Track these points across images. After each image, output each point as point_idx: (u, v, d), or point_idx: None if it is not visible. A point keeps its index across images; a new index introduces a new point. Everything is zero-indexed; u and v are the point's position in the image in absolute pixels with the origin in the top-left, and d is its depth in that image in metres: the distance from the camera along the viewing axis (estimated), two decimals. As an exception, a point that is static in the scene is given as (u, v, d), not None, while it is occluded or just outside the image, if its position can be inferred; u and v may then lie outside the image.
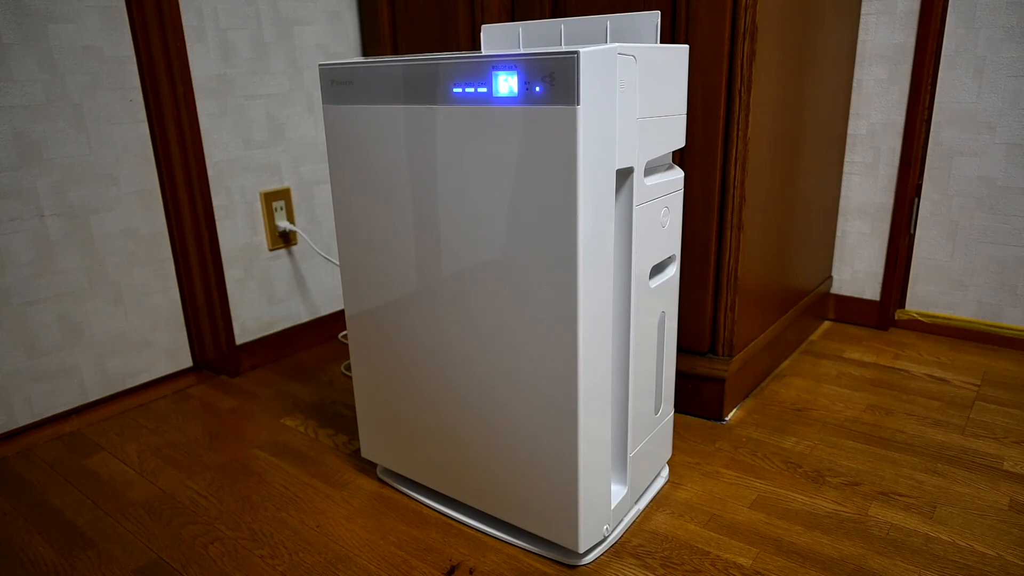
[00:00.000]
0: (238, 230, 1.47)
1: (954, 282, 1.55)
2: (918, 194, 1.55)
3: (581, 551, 0.88)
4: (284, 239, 1.56)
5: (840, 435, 1.19)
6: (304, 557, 0.93)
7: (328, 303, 1.69)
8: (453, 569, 0.90)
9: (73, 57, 1.22)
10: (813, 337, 1.61)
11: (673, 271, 0.95)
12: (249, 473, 1.13)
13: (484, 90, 0.77)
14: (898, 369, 1.43)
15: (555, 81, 0.72)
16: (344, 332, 1.72)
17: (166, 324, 1.44)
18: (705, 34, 1.07)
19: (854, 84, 1.56)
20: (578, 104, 0.71)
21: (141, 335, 1.40)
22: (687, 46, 0.90)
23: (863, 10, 1.51)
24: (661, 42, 1.00)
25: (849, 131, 1.59)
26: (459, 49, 1.42)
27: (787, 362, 1.48)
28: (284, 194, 1.54)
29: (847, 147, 1.60)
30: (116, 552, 0.95)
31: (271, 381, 1.47)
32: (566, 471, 0.84)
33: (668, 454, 1.06)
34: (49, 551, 0.96)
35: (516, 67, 0.74)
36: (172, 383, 1.45)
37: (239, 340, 1.50)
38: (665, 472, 1.08)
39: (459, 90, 0.79)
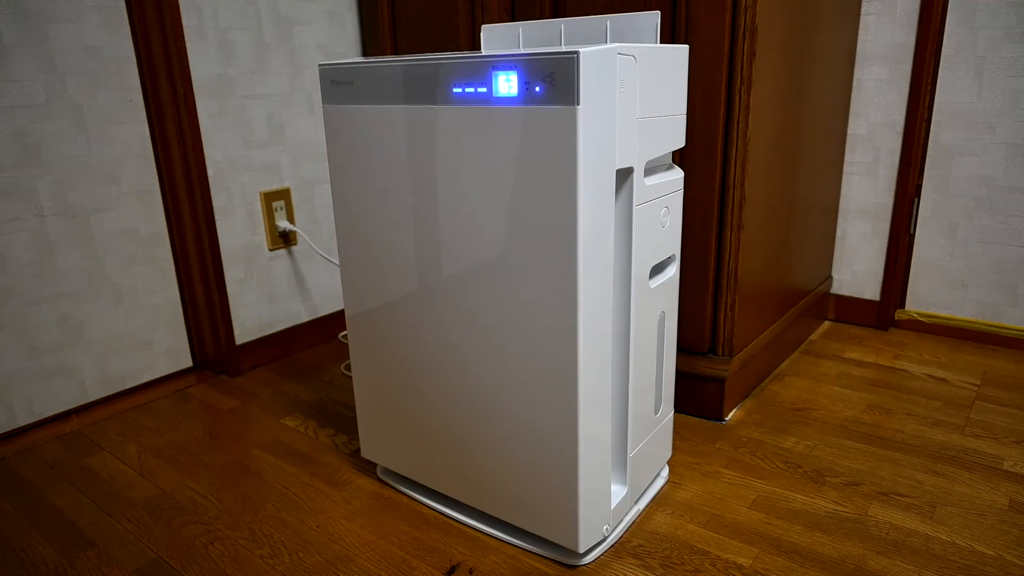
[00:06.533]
0: (238, 230, 1.47)
1: (954, 282, 1.55)
2: (918, 194, 1.55)
3: (581, 551, 0.88)
4: (284, 239, 1.56)
5: (840, 435, 1.19)
6: (304, 557, 0.93)
7: (328, 303, 1.69)
8: (453, 569, 0.90)
9: (73, 57, 1.22)
10: (813, 337, 1.61)
11: (673, 271, 0.95)
12: (249, 473, 1.13)
13: (484, 90, 0.77)
14: (898, 369, 1.43)
15: (555, 81, 0.72)
16: (344, 332, 1.72)
17: (166, 324, 1.44)
18: (705, 34, 1.07)
19: (854, 84, 1.56)
20: (578, 104, 0.71)
21: (141, 335, 1.40)
22: (687, 46, 0.90)
23: (863, 10, 1.51)
24: (661, 42, 1.00)
25: (849, 131, 1.59)
26: (459, 49, 1.42)
27: (787, 362, 1.48)
28: (284, 194, 1.54)
29: (847, 147, 1.60)
30: (116, 552, 0.95)
31: (271, 381, 1.47)
32: (566, 471, 0.84)
33: (668, 454, 1.06)
34: (49, 551, 0.96)
35: (516, 67, 0.74)
36: (172, 383, 1.45)
37: (239, 340, 1.50)
38: (665, 472, 1.08)
39: (459, 90, 0.79)
